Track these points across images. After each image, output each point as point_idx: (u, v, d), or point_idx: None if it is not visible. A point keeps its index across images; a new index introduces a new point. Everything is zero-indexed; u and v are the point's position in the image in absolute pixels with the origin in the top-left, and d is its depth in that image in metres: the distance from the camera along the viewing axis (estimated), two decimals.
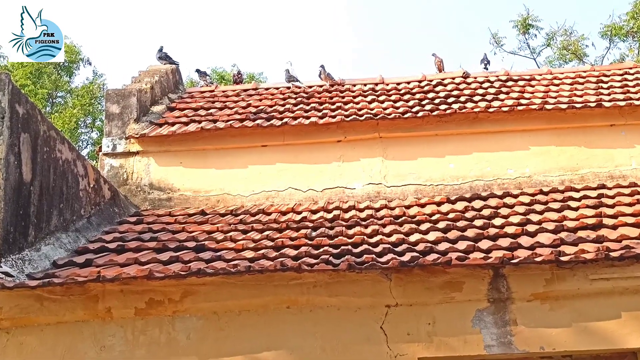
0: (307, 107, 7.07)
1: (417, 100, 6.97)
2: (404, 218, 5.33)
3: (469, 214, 5.32)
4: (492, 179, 6.31)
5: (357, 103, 7.14)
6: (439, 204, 5.81)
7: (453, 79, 7.68)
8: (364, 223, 5.25)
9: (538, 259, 4.08)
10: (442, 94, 7.09)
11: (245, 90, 7.96)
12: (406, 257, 4.18)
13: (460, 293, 4.28)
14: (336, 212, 5.61)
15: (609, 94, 6.77)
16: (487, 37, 25.96)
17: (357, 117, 6.57)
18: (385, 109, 6.79)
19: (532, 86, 7.29)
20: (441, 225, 5.03)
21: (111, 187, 5.93)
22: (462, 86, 7.38)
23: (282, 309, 4.29)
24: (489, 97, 6.92)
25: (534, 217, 5.06)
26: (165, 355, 4.19)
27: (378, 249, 4.43)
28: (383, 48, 33.62)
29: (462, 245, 4.46)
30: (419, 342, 4.18)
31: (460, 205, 5.62)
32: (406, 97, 7.19)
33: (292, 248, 4.61)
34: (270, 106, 7.15)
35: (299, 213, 5.70)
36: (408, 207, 5.74)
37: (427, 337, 4.20)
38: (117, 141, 6.63)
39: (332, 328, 4.24)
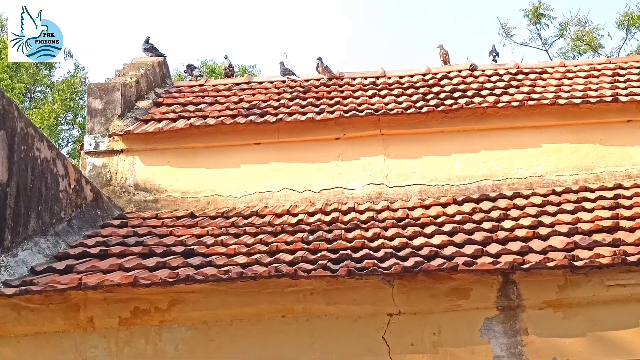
0: (304, 102, 7.07)
1: (421, 95, 6.97)
2: (407, 221, 5.33)
3: (476, 216, 5.33)
4: (502, 179, 6.32)
5: (357, 98, 7.14)
6: (444, 205, 5.81)
7: (459, 72, 7.69)
8: (364, 226, 5.25)
9: (550, 264, 4.09)
10: (447, 88, 7.10)
11: (237, 84, 7.95)
12: (410, 263, 4.18)
13: (468, 300, 4.28)
14: (335, 215, 5.61)
15: (625, 88, 6.79)
16: (495, 27, 25.99)
17: (357, 112, 6.58)
18: (387, 104, 6.79)
19: (544, 80, 7.31)
20: (447, 228, 5.04)
21: (93, 188, 5.92)
22: (469, 80, 7.39)
23: (277, 318, 4.29)
24: (497, 92, 6.93)
25: (546, 220, 5.07)
26: None
27: (379, 254, 4.43)
28: (384, 39, 33.69)
29: (469, 249, 4.46)
30: (423, 353, 4.18)
31: (467, 207, 5.63)
32: (409, 91, 7.20)
33: (287, 253, 4.61)
34: (264, 101, 7.15)
35: (295, 215, 5.70)
36: (411, 208, 5.74)
37: (432, 347, 4.20)
38: (100, 139, 6.62)
39: (331, 338, 4.23)
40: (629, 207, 5.23)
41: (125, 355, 4.21)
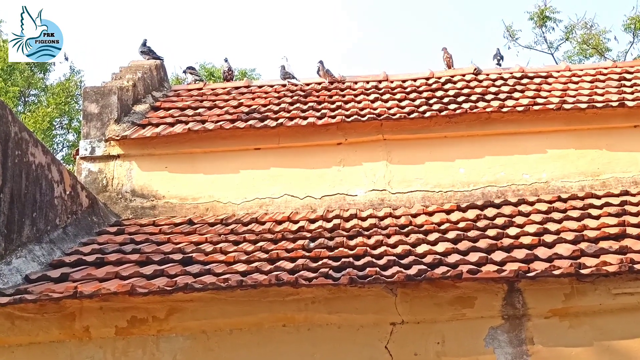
0: (305, 107, 7.09)
1: (424, 99, 6.99)
2: (410, 227, 5.34)
3: (481, 223, 5.34)
4: (506, 185, 6.33)
5: (359, 102, 7.17)
6: (448, 212, 5.83)
7: (463, 76, 7.72)
8: (366, 233, 5.26)
9: (556, 272, 4.10)
10: (451, 93, 7.13)
11: (236, 88, 7.98)
12: (413, 271, 4.18)
13: (472, 309, 4.29)
14: (336, 221, 5.62)
15: (632, 93, 6.81)
16: (500, 30, 26.09)
17: (359, 117, 6.60)
18: (389, 108, 6.81)
19: (549, 84, 7.33)
20: (451, 235, 5.05)
21: (89, 194, 5.93)
22: (473, 84, 7.42)
23: (278, 327, 4.29)
24: (502, 96, 6.95)
25: (552, 227, 5.08)
26: None
27: (382, 262, 4.44)
28: (386, 42, 33.77)
29: (473, 257, 4.47)
30: None
31: (471, 214, 5.64)
32: (412, 95, 7.22)
33: (288, 261, 4.62)
34: (264, 105, 7.17)
35: (296, 222, 5.71)
36: (415, 215, 5.75)
37: (436, 357, 4.21)
38: (96, 144, 6.64)
39: (332, 348, 4.24)
40: (636, 214, 5.24)
41: None
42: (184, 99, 7.63)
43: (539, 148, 6.50)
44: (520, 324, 4.26)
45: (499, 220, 5.37)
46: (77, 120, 17.23)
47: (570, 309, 4.27)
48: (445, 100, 6.90)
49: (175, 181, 6.50)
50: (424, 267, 4.25)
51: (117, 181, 6.51)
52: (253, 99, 7.48)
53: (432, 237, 5.03)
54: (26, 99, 18.47)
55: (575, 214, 5.37)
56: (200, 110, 7.18)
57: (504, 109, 6.59)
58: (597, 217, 5.24)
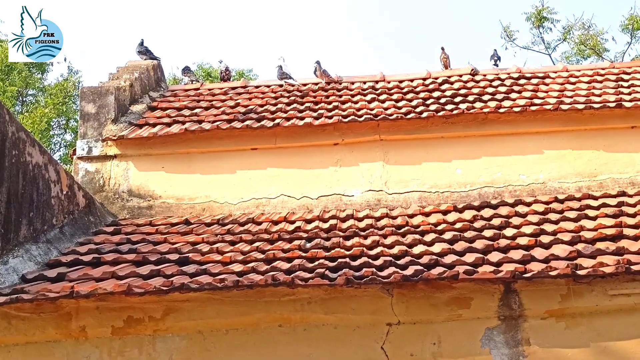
0: (301, 107, 7.10)
1: (421, 100, 7.00)
2: (406, 228, 5.35)
3: (477, 224, 5.35)
4: (503, 186, 6.34)
5: (356, 102, 7.17)
6: (445, 212, 5.83)
7: (460, 76, 7.73)
8: (363, 234, 5.26)
9: (553, 273, 4.11)
10: (448, 93, 7.13)
11: (233, 88, 7.98)
12: (409, 271, 4.19)
13: (468, 310, 4.30)
14: (333, 222, 5.63)
15: (629, 94, 6.82)
16: (497, 30, 26.13)
17: (356, 117, 6.60)
18: (386, 109, 6.82)
19: (547, 84, 7.34)
20: (447, 236, 5.05)
21: (86, 194, 5.93)
22: (470, 84, 7.43)
23: (274, 327, 4.29)
24: (499, 97, 6.96)
25: (549, 227, 5.09)
26: None
27: (378, 262, 4.44)
28: (383, 42, 33.80)
29: (470, 257, 4.48)
30: None
31: (468, 214, 5.65)
32: (409, 96, 7.23)
33: (284, 261, 4.62)
34: (261, 106, 7.17)
35: (292, 223, 5.71)
36: (411, 216, 5.76)
37: (432, 358, 4.22)
38: (93, 144, 6.64)
39: (329, 348, 4.24)
40: (633, 215, 5.25)
41: None
42: (181, 99, 7.63)
43: (536, 149, 6.51)
44: (517, 325, 4.27)
45: (496, 221, 5.38)
46: (75, 120, 17.21)
47: (566, 310, 4.28)
48: (442, 100, 6.91)
49: (172, 181, 6.50)
50: (421, 267, 4.26)
51: (114, 181, 6.51)
52: (250, 99, 7.49)
53: (429, 237, 5.04)
54: (24, 99, 18.44)
55: (572, 214, 5.38)
56: (197, 110, 7.18)
57: (501, 110, 6.60)
58: (594, 218, 5.25)
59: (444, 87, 7.41)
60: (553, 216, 5.40)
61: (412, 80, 7.75)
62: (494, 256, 4.51)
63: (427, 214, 5.80)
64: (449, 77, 7.73)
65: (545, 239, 4.81)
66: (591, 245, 4.61)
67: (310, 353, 4.23)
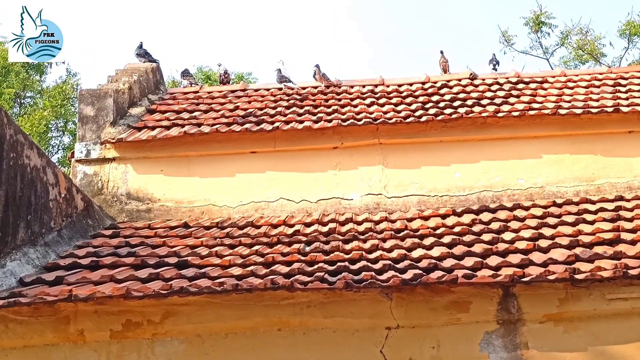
0: (301, 111, 7.10)
1: (420, 104, 7.01)
2: (405, 232, 5.35)
3: (476, 228, 5.35)
4: (502, 190, 6.35)
5: (355, 106, 7.18)
6: (443, 216, 5.84)
7: (459, 80, 7.75)
8: (362, 237, 5.26)
9: (551, 277, 4.12)
10: (447, 97, 7.15)
11: (232, 92, 7.98)
12: (408, 275, 4.19)
13: (467, 314, 4.30)
14: (332, 225, 5.62)
15: (627, 99, 6.85)
16: (496, 35, 26.17)
17: (355, 121, 6.61)
18: (385, 112, 6.83)
19: (545, 89, 7.36)
20: (446, 240, 5.06)
21: (84, 197, 5.92)
22: (469, 88, 7.45)
23: (273, 331, 4.29)
24: (498, 101, 6.98)
25: (547, 232, 5.10)
26: None
27: (378, 266, 4.45)
28: (383, 42, 33.86)
29: (469, 261, 4.48)
30: None
31: (467, 218, 5.65)
32: (408, 100, 7.24)
33: (283, 264, 4.62)
34: (260, 109, 7.17)
35: (292, 226, 5.71)
36: (410, 220, 5.77)
37: None
38: (92, 146, 6.62)
39: (328, 352, 4.24)
40: (631, 220, 5.27)
41: None
42: (180, 102, 7.63)
43: (535, 153, 6.52)
44: (515, 329, 4.27)
45: (494, 225, 5.39)
46: (73, 123, 17.18)
47: (564, 314, 4.29)
48: (441, 104, 6.92)
49: (171, 184, 6.49)
50: (420, 271, 4.26)
51: (113, 184, 6.50)
52: (249, 102, 7.49)
53: (428, 241, 5.05)
54: (22, 101, 18.41)
55: (570, 219, 5.39)
56: (196, 113, 7.18)
57: (500, 114, 6.62)
58: (592, 223, 5.26)
59: (442, 91, 7.43)
60: (551, 220, 5.41)
61: (411, 85, 7.77)
62: (493, 260, 4.51)
63: (426, 218, 5.81)
64: (448, 81, 7.75)
65: (543, 243, 4.82)
66: (589, 249, 4.62)
67: (309, 357, 4.23)
